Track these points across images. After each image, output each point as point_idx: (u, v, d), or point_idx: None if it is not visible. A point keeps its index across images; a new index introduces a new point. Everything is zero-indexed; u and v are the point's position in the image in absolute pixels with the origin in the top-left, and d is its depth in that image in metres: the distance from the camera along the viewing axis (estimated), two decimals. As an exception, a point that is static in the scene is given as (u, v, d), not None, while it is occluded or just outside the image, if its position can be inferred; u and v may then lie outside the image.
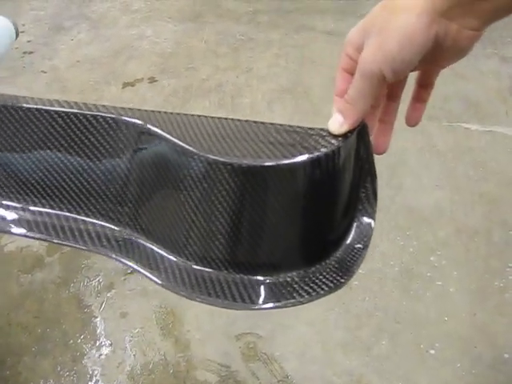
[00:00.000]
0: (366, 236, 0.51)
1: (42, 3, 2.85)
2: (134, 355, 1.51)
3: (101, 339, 1.55)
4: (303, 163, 0.43)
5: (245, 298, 0.47)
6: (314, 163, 0.43)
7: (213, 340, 1.53)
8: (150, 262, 0.50)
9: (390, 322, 1.55)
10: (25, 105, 0.49)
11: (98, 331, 1.57)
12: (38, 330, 1.58)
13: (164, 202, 0.48)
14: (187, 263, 0.50)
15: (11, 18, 1.11)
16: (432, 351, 1.48)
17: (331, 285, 0.48)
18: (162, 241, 0.50)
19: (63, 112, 0.48)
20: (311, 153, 0.43)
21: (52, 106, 0.49)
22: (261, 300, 0.47)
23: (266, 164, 0.42)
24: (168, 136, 0.45)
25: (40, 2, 2.85)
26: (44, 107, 0.49)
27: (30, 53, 2.53)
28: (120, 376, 1.47)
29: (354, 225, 0.51)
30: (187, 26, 2.64)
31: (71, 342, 1.55)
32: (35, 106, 0.49)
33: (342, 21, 2.58)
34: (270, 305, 0.48)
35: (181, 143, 0.44)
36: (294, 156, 0.43)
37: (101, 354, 1.52)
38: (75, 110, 0.49)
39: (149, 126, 0.46)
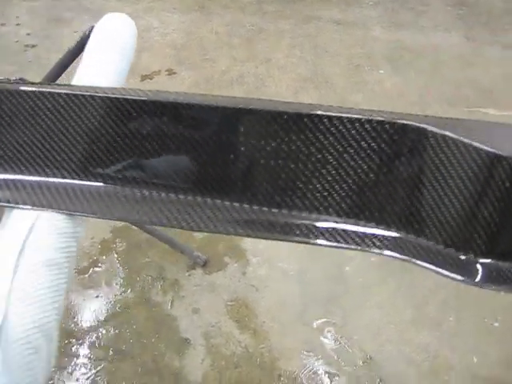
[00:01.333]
0: None
1: (35, -6, 2.72)
2: (216, 350, 1.52)
3: (177, 337, 1.54)
4: None
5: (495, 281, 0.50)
6: None
7: (290, 329, 1.56)
8: (424, 253, 0.54)
9: (453, 298, 1.63)
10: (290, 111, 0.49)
11: (173, 329, 1.56)
12: (110, 332, 1.56)
13: (440, 197, 0.51)
14: (445, 249, 0.53)
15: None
16: (496, 324, 1.58)
17: None
18: (428, 233, 0.53)
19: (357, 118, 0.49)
20: None
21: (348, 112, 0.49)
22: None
23: None
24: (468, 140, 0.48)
25: (32, -7, 2.72)
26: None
27: (33, 46, 2.42)
28: (205, 372, 1.48)
29: None
30: (194, 16, 2.61)
31: (146, 341, 1.54)
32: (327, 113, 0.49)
33: (346, 11, 2.63)
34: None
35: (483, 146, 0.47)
36: None
37: (181, 352, 1.51)
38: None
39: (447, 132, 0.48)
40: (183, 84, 2.25)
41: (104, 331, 1.55)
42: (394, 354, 1.52)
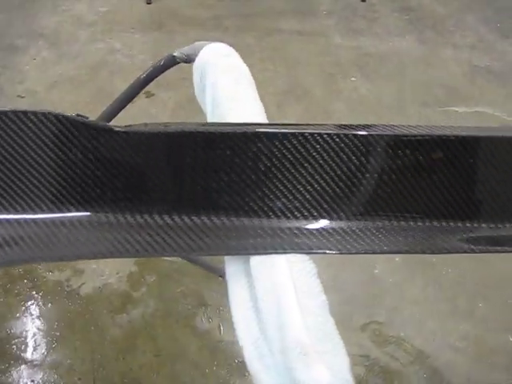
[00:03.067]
0: None
1: (-23, 21, 2.52)
2: (277, 368, 1.51)
3: (236, 361, 1.52)
4: None
5: None
6: None
7: (342, 336, 1.59)
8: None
9: (477, 286, 1.75)
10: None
11: (229, 353, 1.54)
12: (166, 368, 1.50)
13: None
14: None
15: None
16: (518, 304, 1.72)
17: None
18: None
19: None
20: None
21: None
22: None
23: None
24: None
25: (-27, 21, 2.52)
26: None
27: (-7, 77, 2.25)
28: (272, 391, 1.47)
29: None
30: (155, 36, 2.55)
31: (208, 371, 1.50)
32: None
33: (304, 21, 2.71)
34: None
35: None
36: None
37: (244, 375, 1.49)
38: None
39: None
40: (166, 106, 2.21)
41: (159, 367, 1.49)
42: (441, 344, 1.60)
